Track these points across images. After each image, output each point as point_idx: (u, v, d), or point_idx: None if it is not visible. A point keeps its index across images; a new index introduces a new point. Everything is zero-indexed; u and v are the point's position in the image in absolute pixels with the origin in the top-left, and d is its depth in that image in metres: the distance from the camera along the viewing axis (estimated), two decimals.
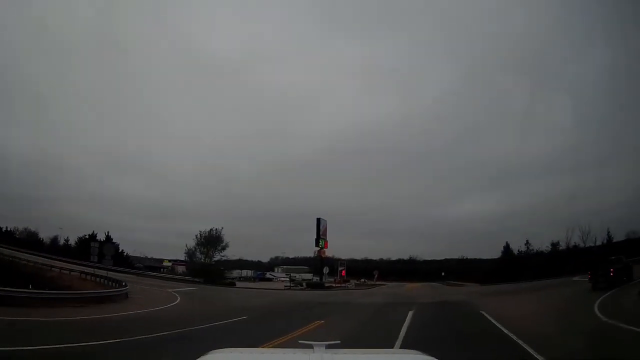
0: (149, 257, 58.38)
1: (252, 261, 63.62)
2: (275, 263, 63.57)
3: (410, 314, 15.08)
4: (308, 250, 50.41)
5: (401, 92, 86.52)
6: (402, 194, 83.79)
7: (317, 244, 47.63)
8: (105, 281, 25.31)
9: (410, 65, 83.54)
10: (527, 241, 50.45)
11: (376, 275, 51.60)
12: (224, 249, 43.54)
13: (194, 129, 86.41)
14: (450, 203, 74.33)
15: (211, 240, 43.24)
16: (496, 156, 76.93)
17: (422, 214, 73.91)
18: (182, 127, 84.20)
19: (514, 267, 45.33)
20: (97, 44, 71.90)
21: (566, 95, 71.48)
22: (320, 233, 47.82)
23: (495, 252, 53.56)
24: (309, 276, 50.76)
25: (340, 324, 13.71)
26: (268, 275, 57.90)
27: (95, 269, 27.36)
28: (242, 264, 61.50)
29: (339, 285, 47.95)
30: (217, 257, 43.58)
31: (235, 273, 56.76)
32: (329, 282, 48.57)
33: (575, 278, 31.05)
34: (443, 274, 54.18)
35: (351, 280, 50.64)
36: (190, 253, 43.75)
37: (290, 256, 62.55)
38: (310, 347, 1.97)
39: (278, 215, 73.32)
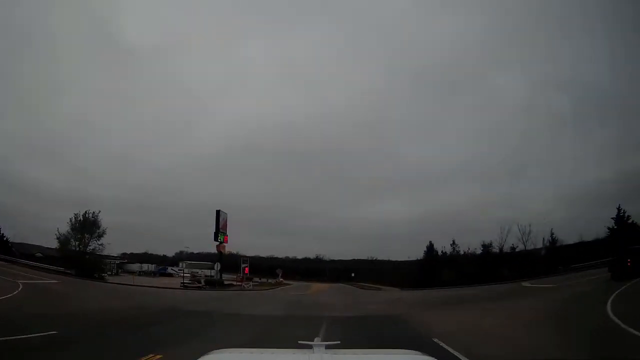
0: (54, 247, 53.86)
1: (157, 255, 59.94)
2: (180, 258, 59.65)
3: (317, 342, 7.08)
4: (213, 246, 46.93)
5: (319, 93, 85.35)
6: (311, 194, 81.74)
7: (216, 238, 44.12)
8: None
9: (331, 65, 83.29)
10: (454, 241, 43.45)
11: (280, 274, 49.12)
12: (100, 236, 38.49)
13: (102, 118, 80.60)
14: (362, 205, 73.55)
15: (86, 226, 38.40)
16: (413, 162, 76.12)
17: (331, 214, 72.45)
18: (91, 115, 77.35)
19: (438, 270, 41.00)
20: None
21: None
22: (220, 226, 44.46)
23: (413, 254, 50.13)
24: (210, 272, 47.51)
25: None
26: (170, 270, 53.95)
27: None
28: (147, 257, 57.39)
29: (240, 283, 45.04)
30: (92, 245, 38.68)
31: (136, 267, 52.54)
32: (230, 279, 45.54)
33: (525, 284, 28.68)
34: (353, 274, 52.54)
35: (253, 279, 47.84)
36: (62, 239, 38.58)
37: (195, 251, 59.19)
38: (310, 347, 2.03)
39: (186, 210, 69.90)
